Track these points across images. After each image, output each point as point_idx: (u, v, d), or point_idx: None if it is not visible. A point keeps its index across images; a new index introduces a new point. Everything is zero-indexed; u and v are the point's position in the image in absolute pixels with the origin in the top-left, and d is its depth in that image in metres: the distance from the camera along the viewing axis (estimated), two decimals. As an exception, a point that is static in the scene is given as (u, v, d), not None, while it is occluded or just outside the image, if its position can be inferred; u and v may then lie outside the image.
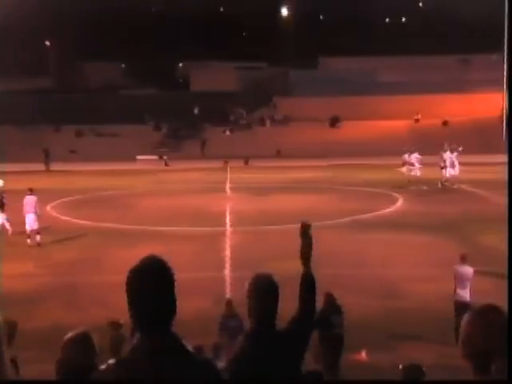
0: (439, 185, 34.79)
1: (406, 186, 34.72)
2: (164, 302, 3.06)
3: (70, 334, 4.37)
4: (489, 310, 2.88)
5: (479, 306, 2.94)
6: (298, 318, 4.29)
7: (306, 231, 4.42)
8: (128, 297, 3.07)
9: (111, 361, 3.11)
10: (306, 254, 4.35)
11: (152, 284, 3.03)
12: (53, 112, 60.65)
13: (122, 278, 3.19)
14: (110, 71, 74.78)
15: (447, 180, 35.16)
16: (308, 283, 4.33)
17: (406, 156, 37.37)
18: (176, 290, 3.13)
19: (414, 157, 37.17)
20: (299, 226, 4.47)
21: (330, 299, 11.93)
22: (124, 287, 3.11)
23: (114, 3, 69.88)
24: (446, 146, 36.52)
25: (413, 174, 36.55)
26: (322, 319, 10.25)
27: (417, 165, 36.86)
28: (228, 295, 16.36)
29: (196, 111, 65.84)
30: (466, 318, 2.87)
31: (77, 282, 17.79)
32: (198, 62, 72.13)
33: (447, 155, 35.59)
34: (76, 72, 74.88)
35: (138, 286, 3.04)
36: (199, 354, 9.47)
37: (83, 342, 4.29)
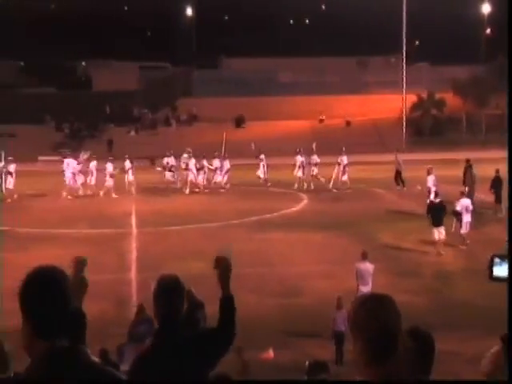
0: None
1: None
2: (61, 313, 2.93)
3: None
4: (367, 299, 2.87)
5: (360, 297, 2.95)
6: (217, 329, 4.27)
7: (219, 262, 4.36)
8: (22, 306, 2.92)
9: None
10: (224, 280, 4.31)
11: (47, 296, 2.89)
12: None
13: (16, 283, 3.07)
14: (6, 69, 72.34)
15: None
16: (227, 305, 4.31)
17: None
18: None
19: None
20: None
21: (189, 296, 11.92)
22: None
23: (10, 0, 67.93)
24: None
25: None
26: (187, 317, 10.29)
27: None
28: (134, 297, 16.32)
29: (102, 111, 64.58)
30: (350, 309, 2.89)
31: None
32: (101, 61, 70.87)
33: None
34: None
35: (31, 297, 2.90)
36: (105, 357, 9.39)
37: None
